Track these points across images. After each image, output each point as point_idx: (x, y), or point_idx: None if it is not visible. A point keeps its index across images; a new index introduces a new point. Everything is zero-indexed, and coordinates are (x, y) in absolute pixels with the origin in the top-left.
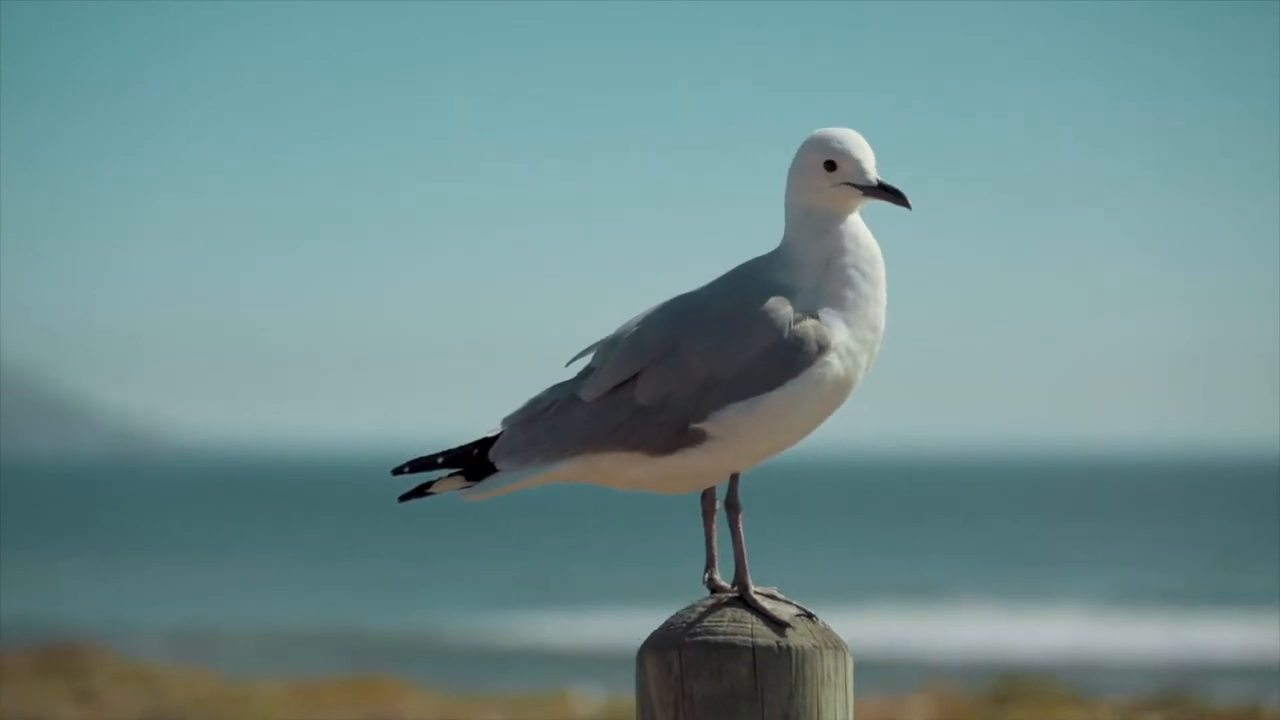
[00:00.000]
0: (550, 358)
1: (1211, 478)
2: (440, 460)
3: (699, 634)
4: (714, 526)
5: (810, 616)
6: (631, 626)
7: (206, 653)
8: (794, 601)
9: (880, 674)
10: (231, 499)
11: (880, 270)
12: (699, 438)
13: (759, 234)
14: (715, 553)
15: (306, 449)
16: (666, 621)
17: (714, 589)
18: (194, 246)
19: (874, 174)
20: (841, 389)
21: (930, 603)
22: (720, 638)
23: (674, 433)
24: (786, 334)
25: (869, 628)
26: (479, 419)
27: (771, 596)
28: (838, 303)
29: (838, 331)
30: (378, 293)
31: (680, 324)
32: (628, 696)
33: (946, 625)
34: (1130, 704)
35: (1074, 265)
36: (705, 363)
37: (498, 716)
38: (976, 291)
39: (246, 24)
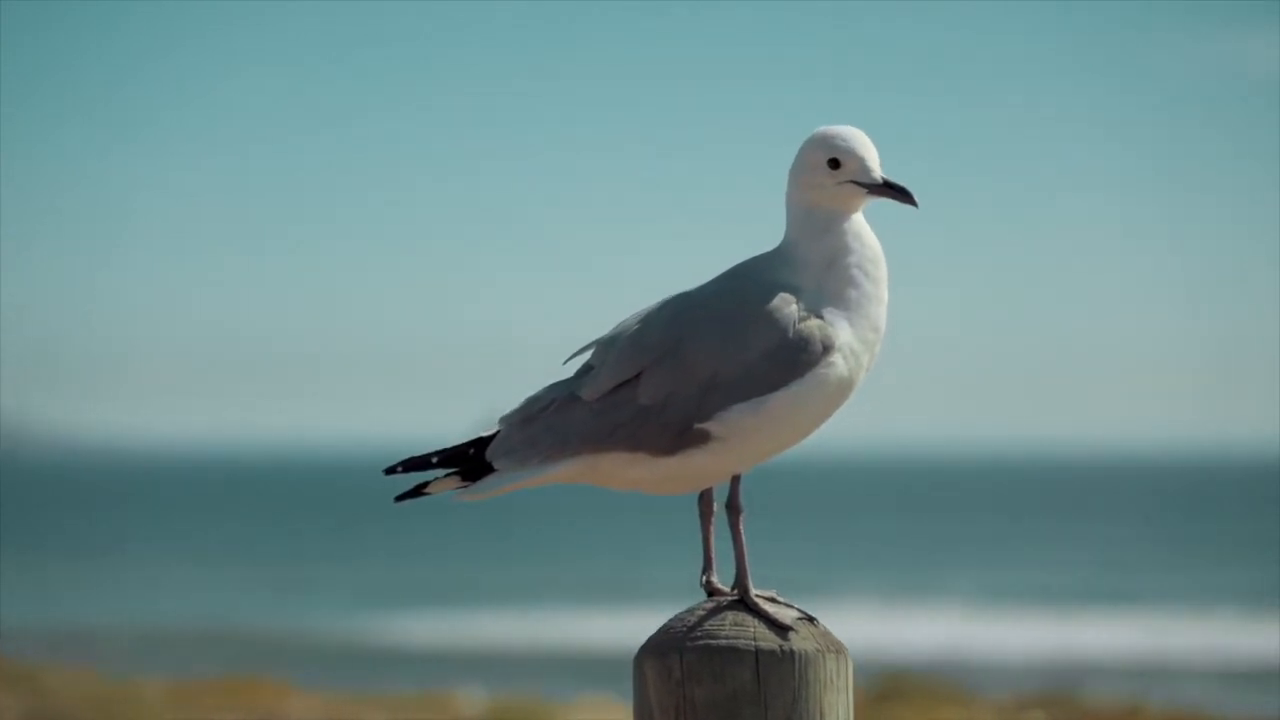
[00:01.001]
0: (509, 359)
1: (1121, 479)
2: (435, 460)
3: (700, 638)
4: (711, 528)
5: (811, 620)
6: (519, 626)
7: (88, 652)
8: (794, 604)
9: None
10: (116, 498)
11: (883, 270)
12: (702, 438)
13: (754, 232)
14: (713, 555)
15: (197, 449)
16: (665, 625)
17: (711, 592)
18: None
19: (879, 172)
20: (844, 389)
21: (809, 599)
22: (722, 642)
23: (676, 433)
24: (791, 334)
25: None
26: (398, 421)
27: (772, 600)
28: (841, 302)
29: (842, 332)
30: (288, 290)
31: (683, 323)
32: (512, 696)
33: (827, 622)
34: (1012, 702)
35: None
36: (708, 362)
37: (381, 716)
38: (960, 290)
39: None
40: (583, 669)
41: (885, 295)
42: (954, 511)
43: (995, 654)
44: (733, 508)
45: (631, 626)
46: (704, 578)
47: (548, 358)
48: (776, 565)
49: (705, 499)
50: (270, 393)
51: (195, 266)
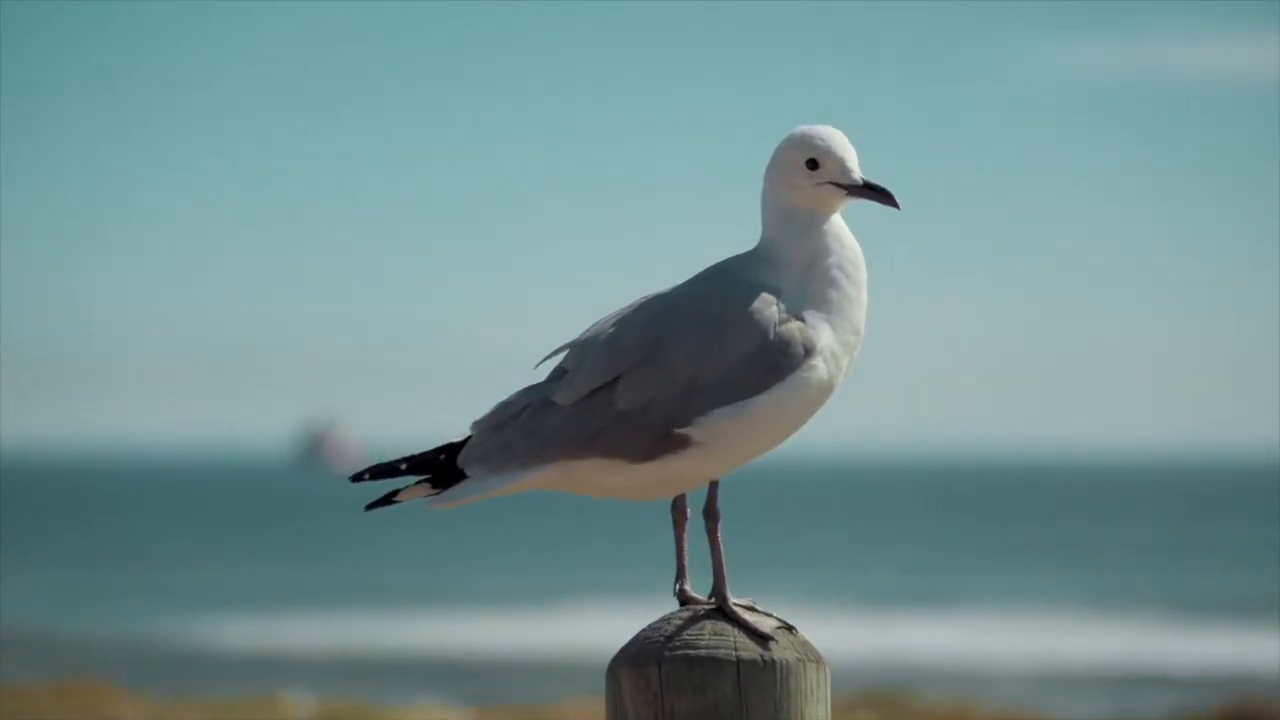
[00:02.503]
0: (457, 363)
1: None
2: (404, 467)
3: (679, 648)
4: (685, 534)
5: (790, 629)
6: (349, 631)
7: None
8: (773, 613)
9: (596, 673)
10: None
11: (863, 272)
12: (682, 443)
13: (722, 232)
14: (686, 562)
15: (41, 451)
16: (639, 634)
17: (685, 600)
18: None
19: (858, 173)
20: (824, 393)
21: (618, 603)
22: (702, 651)
23: (656, 438)
24: (772, 336)
25: (569, 628)
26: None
27: (751, 608)
28: (822, 305)
29: (823, 334)
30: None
31: (661, 325)
32: (341, 700)
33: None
34: (841, 703)
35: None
36: (688, 366)
37: (207, 719)
38: (946, 292)
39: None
40: (415, 673)
41: (865, 298)
42: (800, 513)
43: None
44: (710, 514)
45: (460, 631)
46: (677, 586)
47: (500, 362)
48: (604, 568)
49: (679, 505)
50: (117, 395)
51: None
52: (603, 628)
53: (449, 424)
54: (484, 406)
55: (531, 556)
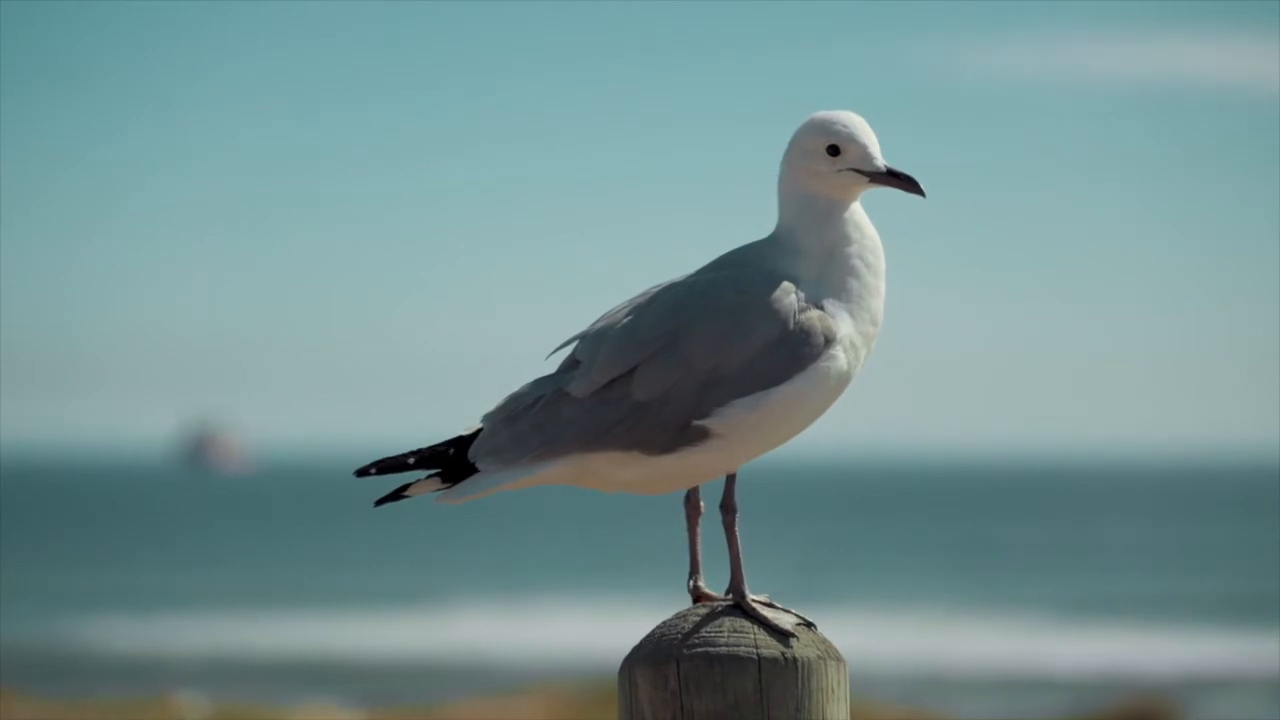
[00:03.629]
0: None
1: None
2: (412, 461)
3: (698, 645)
4: (698, 529)
5: (810, 625)
6: (233, 631)
7: None
8: (791, 609)
9: (486, 674)
10: None
11: (882, 262)
12: (701, 435)
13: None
14: (699, 557)
15: None
16: (654, 632)
17: (698, 597)
18: None
19: (881, 159)
20: (842, 384)
21: (522, 603)
22: (722, 649)
23: (675, 430)
24: (791, 325)
25: (460, 630)
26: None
27: (769, 605)
28: (843, 294)
29: (843, 324)
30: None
31: (679, 314)
32: (234, 702)
33: (550, 625)
34: None
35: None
36: (708, 356)
37: None
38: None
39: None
40: (305, 675)
41: (883, 288)
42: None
43: None
44: (728, 507)
45: (350, 632)
46: (691, 582)
47: (386, 364)
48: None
49: (692, 499)
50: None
51: None
52: (492, 629)
53: (341, 425)
54: (400, 407)
55: (423, 557)
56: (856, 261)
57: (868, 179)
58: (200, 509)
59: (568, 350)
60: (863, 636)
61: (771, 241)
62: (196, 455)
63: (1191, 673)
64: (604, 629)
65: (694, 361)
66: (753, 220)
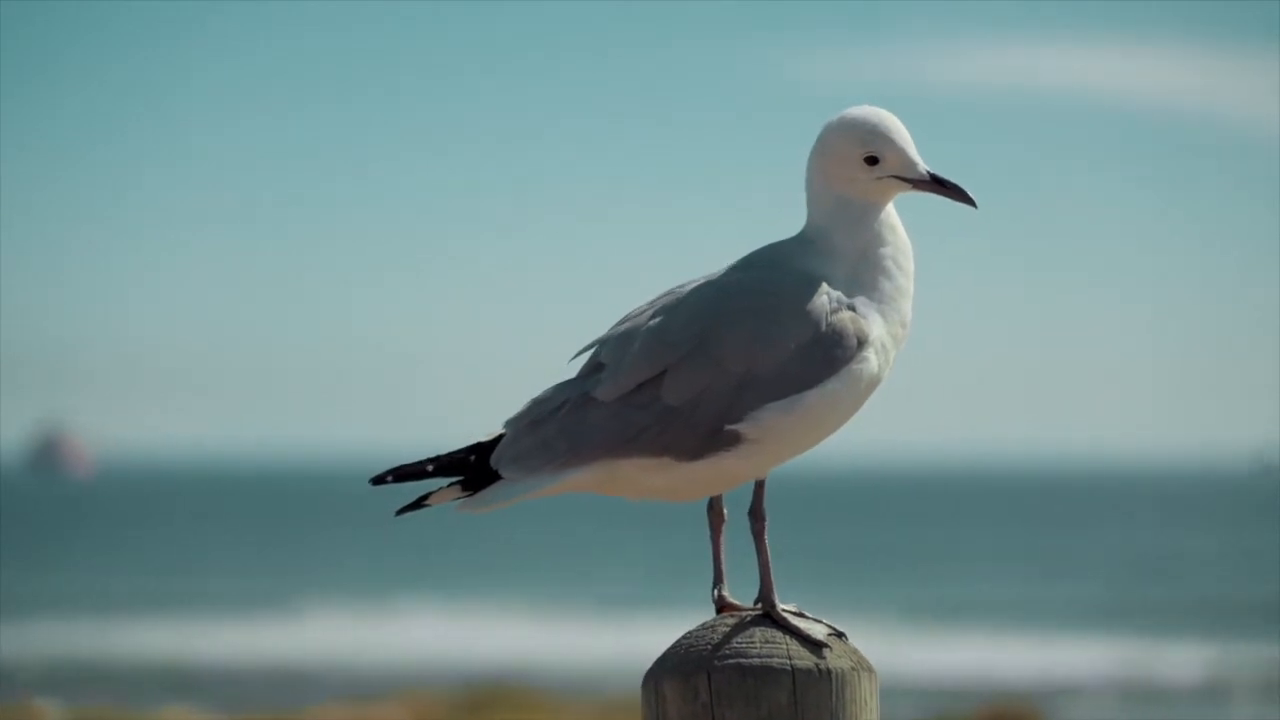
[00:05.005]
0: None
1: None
2: (430, 468)
3: (729, 656)
4: (722, 538)
5: (841, 636)
6: (86, 637)
7: None
8: (822, 620)
9: (345, 680)
10: None
11: (912, 263)
12: (733, 440)
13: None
14: (723, 567)
15: None
16: (681, 642)
17: (723, 607)
18: None
19: (923, 164)
20: (872, 386)
21: (381, 607)
22: (755, 660)
23: (706, 435)
24: (824, 326)
25: (313, 635)
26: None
27: (800, 615)
28: (875, 294)
29: (875, 325)
30: None
31: (710, 316)
32: (88, 707)
33: (412, 631)
34: (605, 706)
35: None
36: (741, 358)
37: None
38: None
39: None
40: (161, 680)
41: (912, 290)
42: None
43: (588, 659)
44: (757, 515)
45: (206, 637)
46: (715, 591)
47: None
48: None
49: (715, 506)
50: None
51: None
52: (351, 634)
53: (193, 428)
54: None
55: (278, 562)
56: (889, 263)
57: (910, 185)
58: (50, 511)
59: (586, 355)
60: None
61: (802, 241)
62: (45, 458)
63: (1051, 678)
64: (467, 634)
65: (726, 364)
66: (753, 219)
